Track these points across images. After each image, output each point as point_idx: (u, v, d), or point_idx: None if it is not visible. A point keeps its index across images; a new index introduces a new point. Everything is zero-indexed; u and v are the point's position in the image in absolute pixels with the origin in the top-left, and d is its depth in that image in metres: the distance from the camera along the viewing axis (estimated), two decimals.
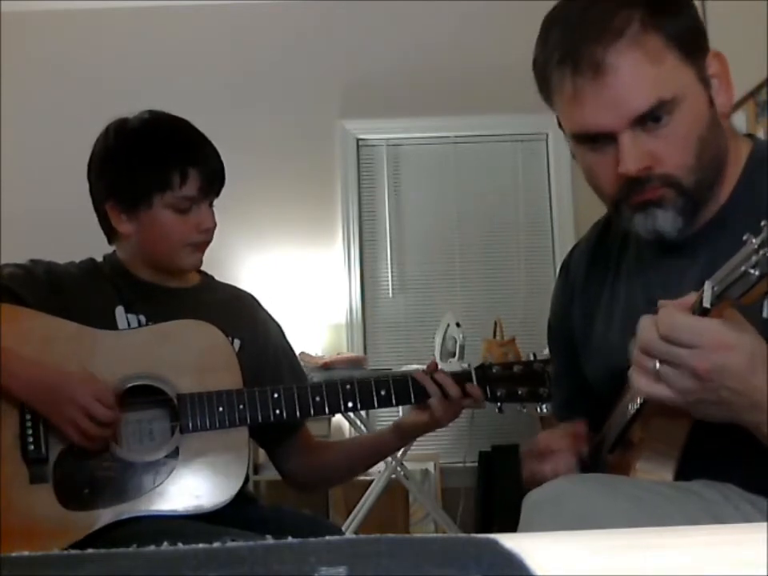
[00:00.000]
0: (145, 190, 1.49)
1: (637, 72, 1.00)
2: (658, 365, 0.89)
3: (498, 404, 1.52)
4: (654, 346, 0.88)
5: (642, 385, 0.91)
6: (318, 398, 1.49)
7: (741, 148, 1.11)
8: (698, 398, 0.89)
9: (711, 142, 1.05)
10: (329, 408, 1.49)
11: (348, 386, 1.49)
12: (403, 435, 1.59)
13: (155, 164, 1.49)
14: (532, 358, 1.54)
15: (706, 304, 0.85)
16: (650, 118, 1.01)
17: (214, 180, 1.54)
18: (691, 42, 1.04)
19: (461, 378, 1.50)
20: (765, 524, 0.41)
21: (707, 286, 0.85)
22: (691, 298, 0.89)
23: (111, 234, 1.58)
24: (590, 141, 1.06)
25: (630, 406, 1.06)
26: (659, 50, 1.01)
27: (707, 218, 1.09)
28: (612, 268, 1.22)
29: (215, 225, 1.55)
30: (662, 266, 1.12)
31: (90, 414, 1.38)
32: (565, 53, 1.02)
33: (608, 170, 1.05)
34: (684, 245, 1.09)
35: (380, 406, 1.51)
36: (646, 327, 0.90)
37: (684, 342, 0.86)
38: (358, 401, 1.49)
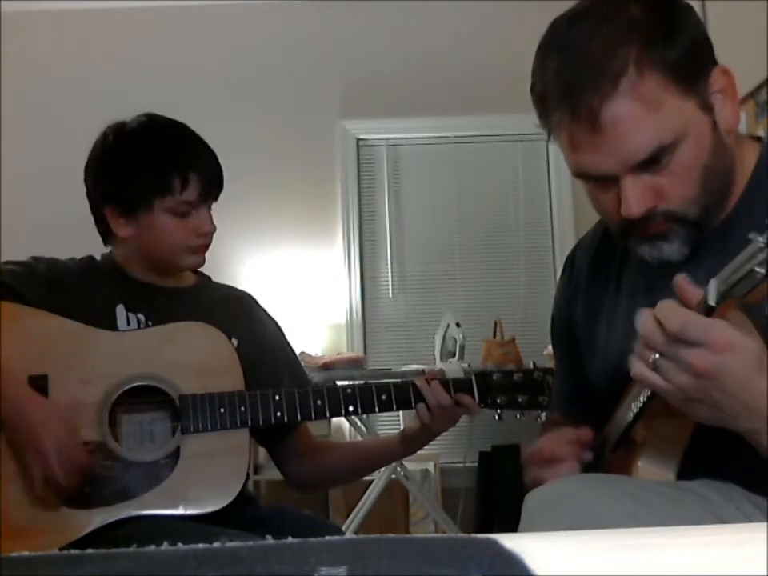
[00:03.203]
0: (145, 194, 1.49)
1: (634, 122, 0.98)
2: (656, 356, 0.88)
3: (498, 411, 1.53)
4: (654, 339, 0.88)
5: (639, 371, 0.91)
6: (319, 402, 1.49)
7: (748, 154, 1.09)
8: (691, 397, 0.88)
9: (716, 167, 1.03)
10: (330, 411, 1.50)
11: (349, 390, 1.50)
12: (408, 443, 1.59)
13: (156, 169, 1.49)
14: (532, 366, 1.54)
15: (711, 302, 0.85)
16: (651, 162, 1.00)
17: (213, 184, 1.54)
18: (691, 70, 1.01)
19: (460, 385, 1.51)
20: (765, 524, 0.41)
21: (712, 284, 0.85)
22: (694, 292, 0.89)
23: (108, 237, 1.58)
24: (592, 179, 1.06)
25: (633, 406, 1.06)
26: (657, 93, 0.98)
27: (715, 224, 1.08)
28: (616, 267, 1.21)
29: (214, 228, 1.55)
30: (666, 268, 1.12)
31: (51, 475, 1.36)
32: (562, 96, 1.00)
33: (611, 205, 1.05)
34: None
35: (381, 411, 1.51)
36: (647, 321, 0.89)
37: (689, 339, 0.85)
38: (358, 405, 1.49)
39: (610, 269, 1.22)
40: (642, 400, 1.03)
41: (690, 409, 0.90)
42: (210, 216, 1.55)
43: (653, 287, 1.13)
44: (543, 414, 1.51)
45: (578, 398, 1.31)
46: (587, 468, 1.17)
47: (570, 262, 1.32)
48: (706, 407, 0.88)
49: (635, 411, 1.05)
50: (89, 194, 1.56)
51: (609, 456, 1.16)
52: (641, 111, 0.98)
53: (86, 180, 1.57)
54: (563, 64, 1.00)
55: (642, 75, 0.97)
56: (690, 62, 1.00)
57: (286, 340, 1.70)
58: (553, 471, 1.14)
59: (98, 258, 1.63)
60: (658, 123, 0.98)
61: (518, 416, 1.54)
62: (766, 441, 0.89)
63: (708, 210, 1.04)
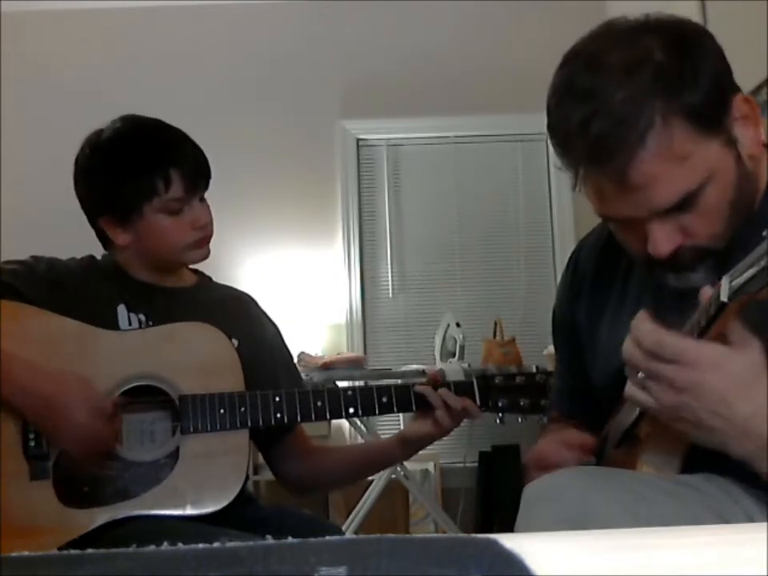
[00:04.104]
0: (132, 200, 1.48)
1: (663, 177, 0.97)
2: (641, 375, 0.91)
3: (500, 414, 1.53)
4: (635, 360, 0.91)
5: (629, 391, 0.95)
6: (319, 403, 1.48)
7: (764, 161, 1.08)
8: (677, 415, 0.90)
9: (741, 198, 1.03)
10: (330, 413, 1.49)
11: (350, 392, 1.49)
12: (407, 446, 1.58)
13: (136, 173, 1.48)
14: (534, 369, 1.54)
15: (724, 298, 0.84)
16: (678, 207, 0.99)
17: (198, 176, 1.52)
18: (715, 110, 0.99)
19: (461, 388, 1.50)
20: (765, 524, 0.41)
21: (725, 280, 0.85)
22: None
23: (108, 245, 1.58)
24: (616, 221, 1.07)
25: None
26: (684, 144, 0.97)
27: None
28: (623, 268, 1.21)
29: (211, 219, 1.54)
30: None
31: (89, 432, 1.38)
32: (589, 153, 0.98)
33: (637, 241, 1.05)
34: None
35: (381, 413, 1.50)
36: (627, 342, 0.92)
37: (664, 357, 0.88)
38: (359, 407, 1.49)
39: (616, 270, 1.22)
40: None
41: (681, 428, 0.93)
42: (205, 207, 1.54)
43: (661, 286, 1.13)
44: (545, 418, 1.50)
45: (578, 397, 1.31)
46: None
47: (574, 261, 1.31)
48: (694, 427, 0.90)
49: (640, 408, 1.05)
50: (83, 207, 1.56)
51: (612, 452, 1.16)
52: (669, 166, 0.97)
53: (76, 193, 1.56)
54: (588, 116, 0.97)
55: (670, 126, 0.96)
56: (714, 101, 0.99)
57: (284, 342, 1.69)
58: None
59: (99, 257, 1.63)
60: (686, 173, 0.98)
61: (520, 419, 1.54)
62: (766, 465, 0.88)
63: (733, 238, 1.04)
